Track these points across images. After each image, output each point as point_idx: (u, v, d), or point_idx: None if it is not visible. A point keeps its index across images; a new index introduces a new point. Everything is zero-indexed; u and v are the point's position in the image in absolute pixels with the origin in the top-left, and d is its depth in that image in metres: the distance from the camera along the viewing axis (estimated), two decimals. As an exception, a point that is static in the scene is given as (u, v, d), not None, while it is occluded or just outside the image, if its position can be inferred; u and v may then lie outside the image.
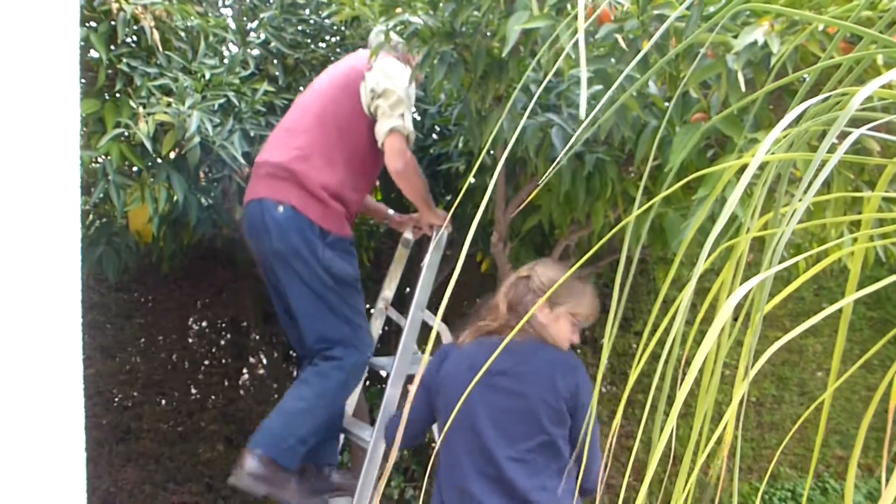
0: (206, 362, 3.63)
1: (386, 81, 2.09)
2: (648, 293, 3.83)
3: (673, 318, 0.87)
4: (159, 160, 2.17)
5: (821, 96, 0.70)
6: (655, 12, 1.32)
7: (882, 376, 0.81)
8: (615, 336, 3.74)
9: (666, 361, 0.91)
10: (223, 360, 3.65)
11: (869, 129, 0.84)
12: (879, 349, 4.36)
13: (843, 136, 0.71)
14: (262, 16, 2.50)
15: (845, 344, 4.38)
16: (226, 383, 3.65)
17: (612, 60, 1.45)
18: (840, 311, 1.09)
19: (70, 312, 1.61)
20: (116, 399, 3.49)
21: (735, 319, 0.96)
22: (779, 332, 4.16)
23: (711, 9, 1.40)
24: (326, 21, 2.56)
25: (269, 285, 2.38)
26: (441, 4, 1.69)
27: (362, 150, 2.19)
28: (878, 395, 0.94)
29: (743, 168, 0.94)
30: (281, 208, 2.10)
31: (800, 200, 0.64)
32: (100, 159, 2.07)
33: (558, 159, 1.05)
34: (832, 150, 0.80)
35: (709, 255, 0.99)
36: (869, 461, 4.45)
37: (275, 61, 2.50)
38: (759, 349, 3.87)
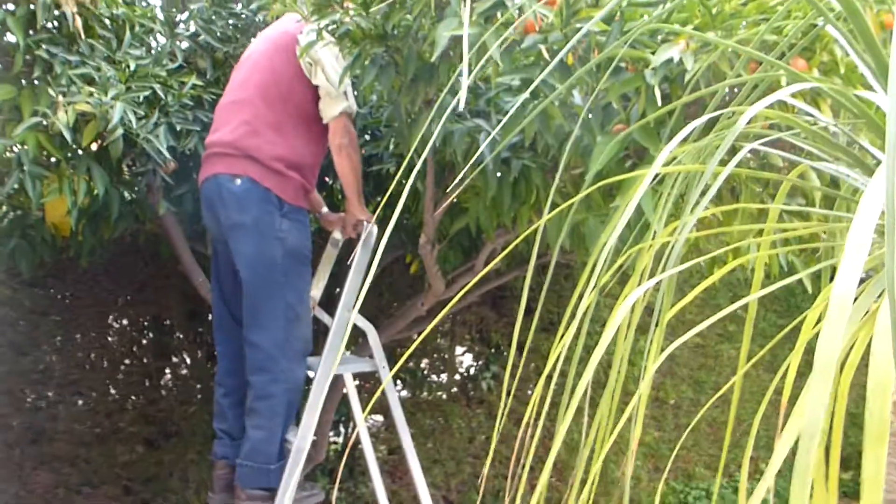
0: (127, 361, 3.53)
1: (330, 71, 2.09)
2: (573, 297, 3.92)
3: (583, 319, 0.91)
4: (80, 151, 2.10)
5: (710, 115, 0.74)
6: (578, 25, 1.37)
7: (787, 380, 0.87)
8: (542, 339, 3.81)
9: (579, 362, 0.95)
10: (144, 360, 3.55)
11: (766, 145, 0.89)
12: (786, 354, 4.59)
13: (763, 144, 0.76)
14: (191, 7, 2.45)
15: (756, 349, 4.57)
16: (147, 383, 3.55)
17: (538, 70, 1.50)
18: (751, 320, 1.16)
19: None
20: (29, 399, 3.35)
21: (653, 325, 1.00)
22: (697, 338, 4.32)
23: (632, 24, 1.45)
24: (258, 17, 2.53)
25: (220, 266, 2.41)
26: (373, 7, 1.70)
27: (309, 113, 2.20)
28: (766, 398, 1.00)
29: (655, 177, 0.99)
30: (238, 181, 2.14)
31: (691, 212, 0.68)
32: (15, 148, 2.00)
33: (483, 162, 1.08)
34: (741, 164, 0.86)
35: (614, 261, 1.03)
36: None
37: (204, 55, 2.46)
38: (676, 354, 3.99)
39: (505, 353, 3.84)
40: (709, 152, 0.95)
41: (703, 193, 0.69)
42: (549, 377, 0.89)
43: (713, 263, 2.37)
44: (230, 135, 2.16)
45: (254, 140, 2.15)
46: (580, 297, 0.97)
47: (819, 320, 0.77)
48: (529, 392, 3.92)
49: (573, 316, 0.84)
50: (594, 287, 0.81)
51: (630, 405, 0.77)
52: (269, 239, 2.17)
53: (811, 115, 0.83)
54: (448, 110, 1.82)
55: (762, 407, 0.93)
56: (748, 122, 0.74)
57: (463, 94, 0.90)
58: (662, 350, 0.87)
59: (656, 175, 1.28)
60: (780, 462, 0.59)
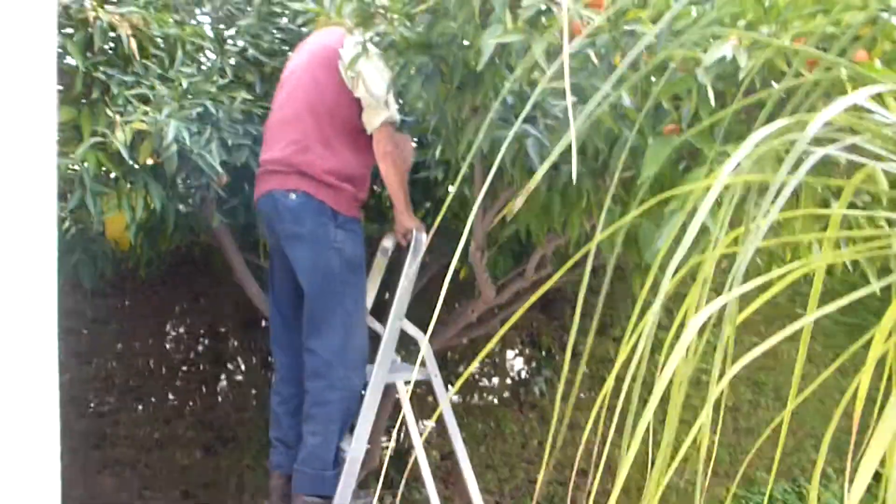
0: (184, 368, 3.61)
1: (371, 84, 2.10)
2: (626, 299, 3.87)
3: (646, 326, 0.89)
4: (137, 167, 2.17)
5: (778, 122, 0.72)
6: (626, 28, 1.35)
7: (853, 380, 0.83)
8: (595, 342, 3.77)
9: (636, 370, 0.93)
10: (201, 367, 3.63)
11: (834, 149, 0.86)
12: (852, 354, 4.43)
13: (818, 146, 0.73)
14: (239, 23, 2.50)
15: (819, 349, 4.42)
16: (203, 389, 3.63)
17: (585, 74, 1.48)
18: (818, 311, 1.12)
19: (46, 318, 1.60)
20: (92, 405, 3.46)
21: (701, 332, 0.97)
22: (754, 336, 4.20)
23: (682, 24, 1.42)
24: (304, 29, 2.56)
25: (276, 277, 2.46)
26: (417, 16, 1.70)
27: (355, 125, 2.24)
28: (844, 402, 0.96)
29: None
30: (293, 195, 2.21)
31: (760, 222, 0.66)
32: (76, 167, 2.06)
33: (537, 174, 1.07)
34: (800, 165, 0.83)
35: (676, 270, 1.01)
36: (845, 465, 4.51)
37: (252, 69, 2.50)
38: (737, 354, 3.89)
39: (557, 357, 3.80)
40: (771, 156, 0.93)
41: (768, 201, 0.67)
42: (613, 384, 0.88)
43: (770, 262, 2.30)
44: (281, 153, 2.23)
45: (305, 156, 2.20)
46: (641, 311, 0.95)
47: (891, 334, 0.74)
48: (582, 396, 3.88)
49: (634, 330, 0.82)
50: (659, 303, 0.79)
51: (698, 423, 0.75)
52: (326, 249, 2.22)
53: (879, 114, 0.80)
54: (504, 119, 1.81)
55: (838, 411, 0.89)
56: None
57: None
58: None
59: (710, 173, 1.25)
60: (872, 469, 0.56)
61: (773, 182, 0.64)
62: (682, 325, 0.98)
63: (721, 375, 0.81)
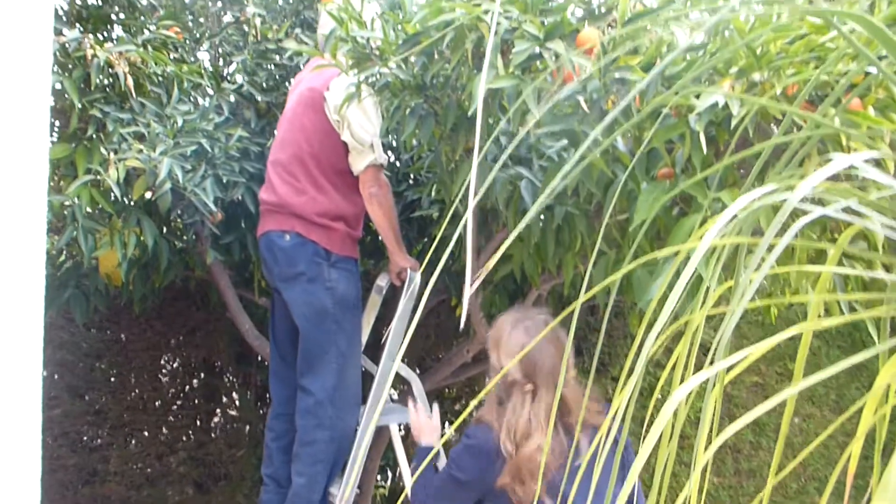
0: (178, 403, 3.58)
1: (356, 129, 2.11)
2: (625, 337, 3.83)
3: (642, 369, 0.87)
4: (130, 204, 2.16)
5: (767, 187, 0.71)
6: (617, 75, 1.35)
7: (857, 421, 0.81)
8: (594, 380, 3.75)
9: (622, 418, 0.90)
10: (195, 401, 3.60)
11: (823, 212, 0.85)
12: (853, 393, 4.38)
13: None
14: (236, 60, 2.51)
15: (820, 388, 4.36)
16: (197, 424, 3.59)
17: (577, 118, 1.47)
18: (813, 347, 1.09)
19: (31, 353, 1.59)
20: (83, 440, 3.41)
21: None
22: (754, 375, 4.17)
23: (674, 70, 1.42)
24: (301, 66, 2.58)
25: (276, 314, 2.46)
26: (412, 59, 1.70)
27: (344, 165, 2.24)
28: (857, 450, 0.93)
29: (703, 223, 0.95)
30: (287, 236, 2.22)
31: (746, 284, 0.64)
32: (70, 203, 2.06)
33: (527, 215, 1.05)
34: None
35: (666, 326, 0.99)
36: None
37: (249, 106, 2.51)
38: (734, 394, 3.82)
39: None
40: (762, 214, 0.91)
41: (754, 262, 0.65)
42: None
43: (769, 306, 2.28)
44: (276, 195, 2.24)
45: (297, 198, 2.21)
46: (631, 367, 0.92)
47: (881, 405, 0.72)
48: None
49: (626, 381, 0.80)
50: (645, 356, 0.77)
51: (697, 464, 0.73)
52: (320, 289, 2.21)
53: (870, 175, 0.78)
54: (496, 160, 1.81)
55: (840, 462, 0.86)
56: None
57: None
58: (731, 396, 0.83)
59: (704, 220, 1.23)
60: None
61: (760, 245, 0.62)
62: (671, 378, 0.96)
63: (708, 442, 0.78)
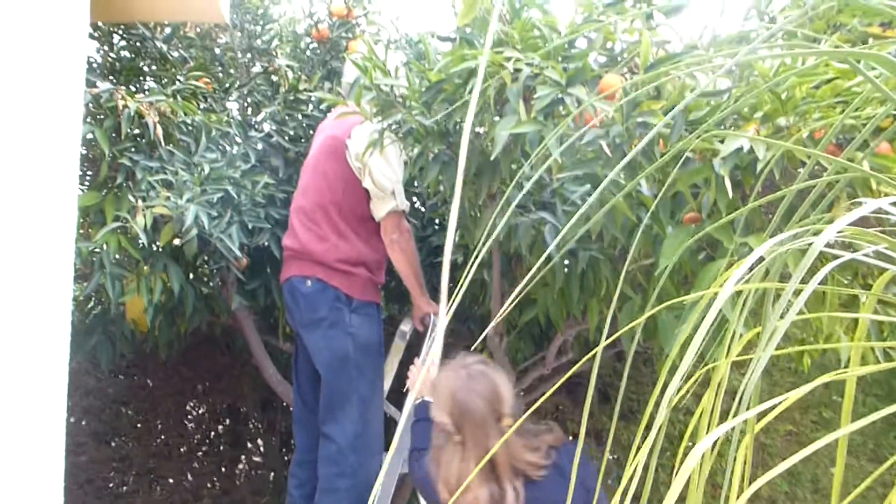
0: (203, 449, 3.56)
1: (378, 176, 2.13)
2: (653, 384, 3.76)
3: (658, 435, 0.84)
4: (158, 250, 2.19)
5: (790, 232, 0.69)
6: (639, 119, 1.34)
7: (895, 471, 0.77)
8: (621, 427, 3.65)
9: (646, 467, 0.87)
10: (220, 447, 3.58)
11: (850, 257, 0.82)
12: (891, 442, 4.22)
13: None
14: (265, 110, 2.56)
15: (857, 438, 4.22)
16: (222, 471, 3.56)
17: (600, 163, 1.46)
18: (859, 401, 1.05)
19: (56, 397, 1.59)
20: (109, 486, 3.40)
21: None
22: (788, 424, 4.04)
23: (697, 114, 1.41)
24: (329, 115, 2.61)
25: (299, 360, 2.46)
26: (435, 106, 1.72)
27: (364, 212, 2.26)
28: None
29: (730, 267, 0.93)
30: (309, 282, 2.23)
31: (773, 330, 0.62)
32: (98, 250, 2.09)
33: (549, 259, 1.05)
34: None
35: (690, 374, 0.96)
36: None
37: (276, 154, 2.55)
38: (768, 443, 3.69)
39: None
40: (790, 259, 0.89)
41: (779, 309, 0.63)
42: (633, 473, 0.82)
43: (802, 353, 2.22)
44: (298, 241, 2.26)
45: (319, 245, 2.23)
46: (655, 409, 0.89)
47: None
48: (610, 482, 3.72)
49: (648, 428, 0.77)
50: (666, 410, 0.75)
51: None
52: (341, 334, 2.21)
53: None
54: (512, 204, 1.80)
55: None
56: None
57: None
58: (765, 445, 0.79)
59: (730, 265, 1.20)
60: None
61: (787, 289, 0.60)
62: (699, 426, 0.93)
63: (739, 492, 0.75)
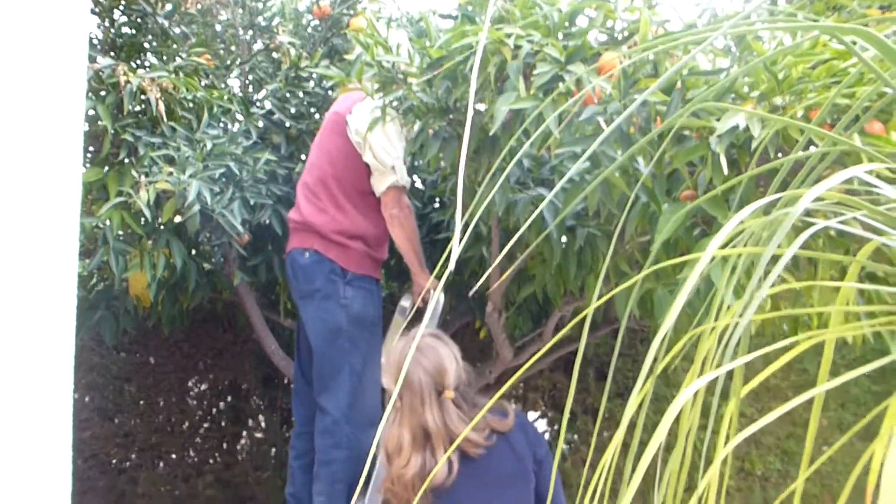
0: (205, 425, 3.61)
1: (378, 151, 2.15)
2: (651, 362, 3.79)
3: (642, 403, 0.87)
4: (160, 226, 2.21)
5: (772, 196, 0.71)
6: (637, 96, 1.36)
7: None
8: (616, 405, 3.69)
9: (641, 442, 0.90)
10: (221, 424, 3.63)
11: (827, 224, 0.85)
12: (882, 422, 4.27)
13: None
14: (267, 87, 2.57)
15: (851, 418, 4.27)
16: (224, 447, 3.61)
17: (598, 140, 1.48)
18: (852, 381, 1.08)
19: (63, 374, 1.62)
20: (113, 462, 3.45)
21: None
22: (781, 402, 4.08)
23: (694, 92, 1.43)
24: (331, 93, 2.63)
25: (299, 335, 2.51)
26: (435, 82, 1.73)
27: (365, 187, 2.29)
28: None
29: (725, 245, 0.95)
30: (307, 254, 2.26)
31: (752, 295, 0.65)
32: (102, 225, 2.11)
33: (546, 230, 1.07)
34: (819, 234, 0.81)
35: (684, 332, 0.99)
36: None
37: (278, 131, 2.56)
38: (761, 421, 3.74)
39: (578, 421, 3.73)
40: (773, 229, 0.91)
41: (758, 274, 0.65)
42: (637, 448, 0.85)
43: (796, 326, 2.25)
44: (300, 213, 2.30)
45: (319, 217, 2.26)
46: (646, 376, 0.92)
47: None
48: (615, 462, 3.77)
49: (663, 381, 0.80)
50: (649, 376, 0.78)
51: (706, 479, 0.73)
52: (334, 306, 2.23)
53: (877, 188, 0.79)
54: (520, 181, 1.82)
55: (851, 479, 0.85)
56: (817, 199, 0.71)
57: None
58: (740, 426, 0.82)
59: (726, 244, 1.23)
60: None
61: (763, 255, 0.63)
62: (710, 387, 0.96)
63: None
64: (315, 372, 2.30)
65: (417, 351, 1.73)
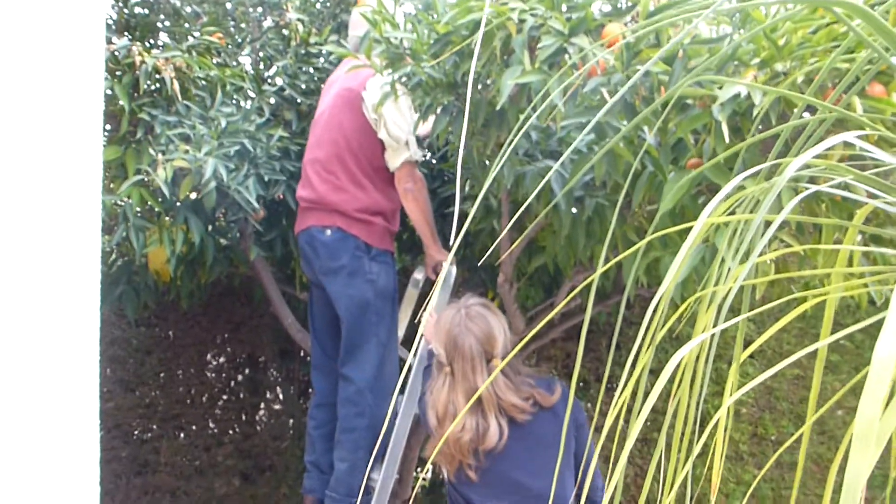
0: (224, 397, 3.70)
1: (392, 127, 2.19)
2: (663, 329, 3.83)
3: (643, 368, 0.92)
4: (178, 203, 2.27)
5: (771, 161, 0.75)
6: (639, 67, 1.38)
7: None
8: (629, 373, 3.76)
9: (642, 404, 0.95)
10: (240, 395, 3.72)
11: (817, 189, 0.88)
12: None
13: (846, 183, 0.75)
14: (277, 64, 2.60)
15: (864, 381, 4.35)
16: (243, 418, 3.71)
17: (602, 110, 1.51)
18: (857, 341, 1.12)
19: (89, 347, 1.69)
20: (135, 433, 3.56)
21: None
22: (796, 368, 4.12)
23: (696, 60, 1.45)
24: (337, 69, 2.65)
25: (315, 307, 2.57)
26: (443, 58, 1.76)
27: (381, 162, 2.33)
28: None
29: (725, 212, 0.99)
30: (328, 231, 2.31)
31: (743, 260, 0.69)
32: (121, 202, 2.17)
33: (553, 201, 1.11)
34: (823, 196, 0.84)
35: (686, 298, 1.03)
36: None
37: (289, 108, 2.60)
38: (776, 386, 3.77)
39: (592, 390, 3.79)
40: (784, 193, 0.95)
41: (747, 238, 0.69)
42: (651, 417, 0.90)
43: (806, 290, 2.28)
44: (316, 192, 2.33)
45: (337, 196, 2.30)
46: (643, 343, 0.97)
47: None
48: (621, 427, 3.84)
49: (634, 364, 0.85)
50: (647, 338, 0.82)
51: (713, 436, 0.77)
52: (362, 281, 2.30)
53: (870, 154, 0.82)
54: (513, 151, 1.86)
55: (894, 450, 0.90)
56: (807, 166, 0.74)
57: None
58: (771, 388, 0.87)
59: (728, 209, 1.27)
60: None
61: (754, 220, 0.67)
62: (723, 353, 1.00)
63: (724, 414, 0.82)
64: (344, 344, 2.37)
65: (468, 318, 1.80)
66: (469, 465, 1.74)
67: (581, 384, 3.84)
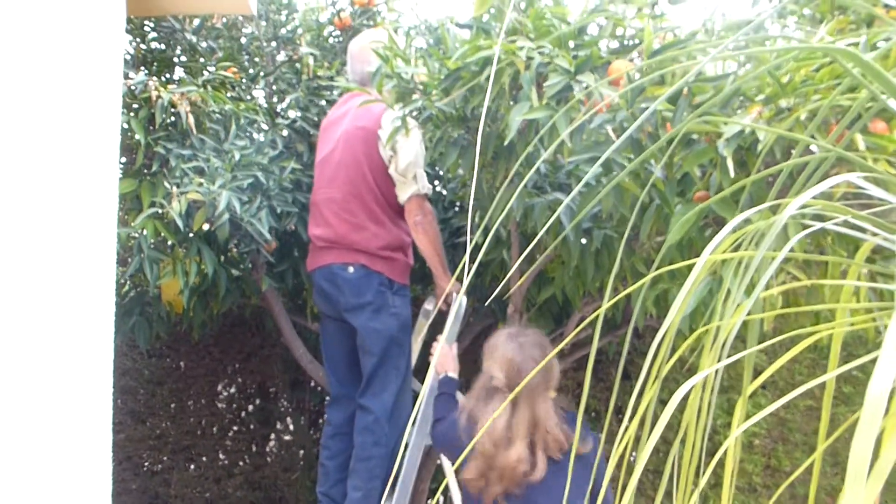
0: (235, 428, 3.70)
1: (402, 162, 2.22)
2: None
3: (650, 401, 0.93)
4: (192, 234, 2.30)
5: (763, 205, 0.76)
6: (644, 105, 1.41)
7: None
8: (638, 404, 3.73)
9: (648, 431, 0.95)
10: (250, 426, 3.72)
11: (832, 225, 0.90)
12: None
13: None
14: (290, 97, 2.65)
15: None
16: (253, 449, 3.70)
17: (609, 148, 1.54)
18: (868, 370, 1.13)
19: (102, 377, 1.71)
20: (146, 464, 3.56)
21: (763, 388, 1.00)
22: (809, 400, 4.09)
23: (701, 97, 1.48)
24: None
25: (331, 340, 2.57)
26: (453, 92, 1.79)
27: (394, 197, 2.36)
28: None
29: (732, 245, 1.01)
30: (351, 269, 2.34)
31: (744, 296, 0.70)
32: (136, 234, 2.20)
33: (562, 234, 1.13)
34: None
35: (693, 329, 1.04)
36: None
37: (301, 140, 2.64)
38: (788, 417, 3.73)
39: (603, 420, 3.76)
40: (791, 227, 0.97)
41: (748, 275, 0.71)
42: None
43: (818, 320, 2.28)
44: (335, 232, 2.35)
45: (358, 235, 2.33)
46: (649, 374, 0.98)
47: None
48: (632, 458, 3.81)
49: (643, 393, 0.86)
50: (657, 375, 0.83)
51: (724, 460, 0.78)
52: (387, 316, 2.34)
53: (869, 192, 0.83)
54: (522, 185, 1.88)
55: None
56: (805, 206, 0.76)
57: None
58: (784, 420, 0.87)
59: (734, 243, 1.28)
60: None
61: (756, 256, 0.68)
62: (737, 385, 1.01)
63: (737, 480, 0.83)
64: (367, 375, 2.39)
65: (530, 347, 1.82)
66: (513, 494, 1.74)
67: (593, 414, 3.82)
